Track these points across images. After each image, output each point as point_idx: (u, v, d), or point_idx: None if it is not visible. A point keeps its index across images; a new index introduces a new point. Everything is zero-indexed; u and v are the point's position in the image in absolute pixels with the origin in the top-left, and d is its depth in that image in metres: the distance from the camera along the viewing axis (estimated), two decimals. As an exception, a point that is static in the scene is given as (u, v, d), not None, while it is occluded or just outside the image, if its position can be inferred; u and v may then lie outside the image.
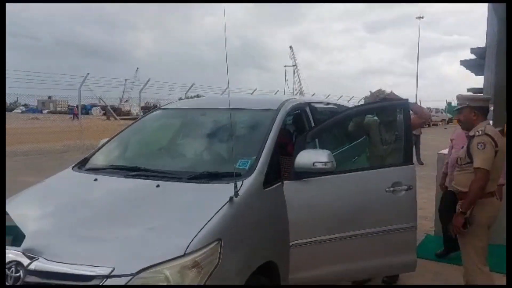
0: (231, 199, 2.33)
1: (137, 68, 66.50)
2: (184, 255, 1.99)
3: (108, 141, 3.46)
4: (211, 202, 2.34)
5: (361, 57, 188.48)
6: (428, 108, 38.12)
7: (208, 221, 2.17)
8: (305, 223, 2.78)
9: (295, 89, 67.00)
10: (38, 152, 13.43)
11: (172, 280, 1.94)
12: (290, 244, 2.71)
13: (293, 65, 72.98)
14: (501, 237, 3.73)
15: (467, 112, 3.14)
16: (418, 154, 11.04)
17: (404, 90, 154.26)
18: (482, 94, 5.51)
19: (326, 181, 2.84)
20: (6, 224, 2.04)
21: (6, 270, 2.02)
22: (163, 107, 4.00)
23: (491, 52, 8.77)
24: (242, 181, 2.51)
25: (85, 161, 3.23)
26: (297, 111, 3.52)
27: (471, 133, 3.10)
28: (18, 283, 1.99)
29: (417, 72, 52.00)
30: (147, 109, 31.26)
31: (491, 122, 3.91)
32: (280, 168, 2.95)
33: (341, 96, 30.25)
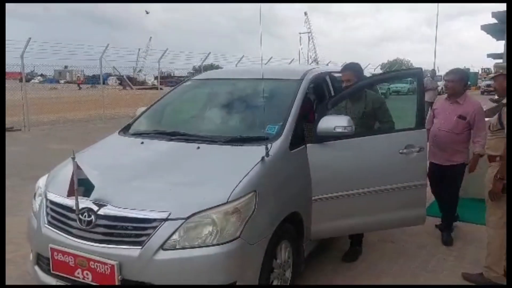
0: (263, 158, 2.70)
1: (150, 37, 66.50)
2: (227, 202, 2.38)
3: (146, 110, 3.84)
4: (246, 160, 2.70)
5: (378, 23, 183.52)
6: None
7: (245, 175, 2.55)
8: (325, 181, 3.12)
9: (310, 57, 66.21)
10: (63, 121, 13.98)
11: (218, 222, 2.34)
12: (312, 198, 3.09)
13: (308, 32, 71.71)
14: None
15: (501, 80, 3.26)
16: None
17: (422, 57, 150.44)
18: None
19: (345, 144, 3.16)
20: (79, 177, 2.44)
21: (80, 215, 2.46)
22: (193, 78, 4.34)
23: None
24: (271, 144, 2.86)
25: (128, 127, 3.62)
26: (318, 80, 3.80)
27: (504, 101, 3.22)
28: (90, 226, 2.43)
29: (436, 38, 50.52)
30: (162, 78, 31.57)
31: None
32: (304, 132, 3.28)
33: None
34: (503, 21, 7.92)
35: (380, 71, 43.16)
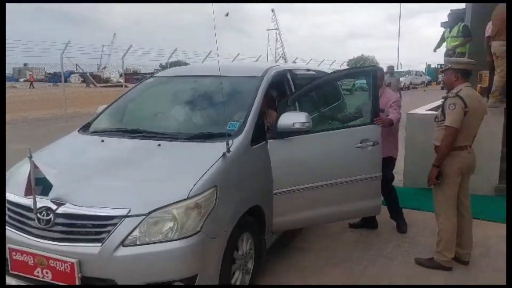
0: (224, 154, 2.76)
1: (114, 34, 64.87)
2: (188, 198, 2.43)
3: (107, 107, 3.81)
4: (207, 157, 2.76)
5: (343, 20, 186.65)
6: (408, 71, 38.83)
7: (206, 171, 2.61)
8: (285, 175, 3.23)
9: (278, 54, 66.58)
10: (23, 121, 13.51)
11: (179, 218, 2.39)
12: (274, 192, 3.18)
13: (275, 29, 72.04)
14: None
15: (449, 74, 3.41)
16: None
17: (385, 53, 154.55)
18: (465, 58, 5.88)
19: (304, 139, 3.28)
20: (36, 176, 2.42)
21: (38, 214, 2.44)
22: (155, 75, 4.33)
23: (469, 15, 9.18)
24: (233, 140, 2.93)
25: (88, 125, 3.59)
26: (279, 78, 3.89)
27: (449, 95, 3.37)
28: (49, 225, 2.42)
29: (399, 35, 51.96)
30: (128, 75, 30.96)
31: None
32: (265, 129, 3.37)
33: (323, 61, 30.50)
34: (461, 18, 8.54)
35: (347, 67, 44.08)
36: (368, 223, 4.29)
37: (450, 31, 7.84)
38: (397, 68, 38.40)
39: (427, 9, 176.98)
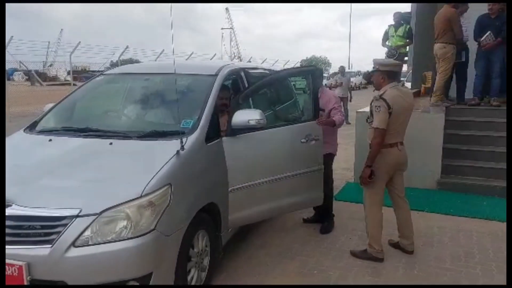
0: (178, 152, 2.76)
1: (61, 30, 62.15)
2: (141, 196, 2.41)
3: (55, 106, 3.67)
4: (161, 155, 2.74)
5: (297, 21, 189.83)
6: (358, 71, 40.19)
7: (160, 169, 2.59)
8: (240, 171, 3.30)
9: (233, 53, 66.63)
10: (-40, 120, 12.62)
11: (132, 216, 2.36)
12: (229, 189, 3.22)
13: (229, 28, 72.10)
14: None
15: (377, 75, 3.55)
16: (346, 116, 12.05)
17: (338, 53, 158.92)
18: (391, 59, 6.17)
19: (256, 136, 3.36)
20: (-22, 177, 2.31)
21: (-19, 217, 2.32)
22: (106, 72, 4.22)
23: (414, 17, 9.68)
24: (187, 137, 2.93)
25: (35, 124, 3.45)
26: (233, 76, 3.93)
27: (374, 97, 3.47)
28: (-6, 228, 2.31)
29: (350, 36, 53.68)
30: (76, 73, 29.69)
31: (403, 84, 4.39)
32: (219, 126, 3.38)
33: (277, 60, 30.93)
34: (407, 21, 9.04)
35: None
36: (322, 218, 4.41)
37: (395, 30, 8.12)
38: (349, 68, 39.69)
39: (376, 12, 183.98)
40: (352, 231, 4.27)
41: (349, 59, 51.03)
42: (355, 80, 33.43)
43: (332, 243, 3.99)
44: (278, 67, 15.75)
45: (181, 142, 2.80)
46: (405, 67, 9.16)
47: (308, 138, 3.69)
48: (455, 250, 3.81)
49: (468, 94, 6.76)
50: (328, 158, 4.18)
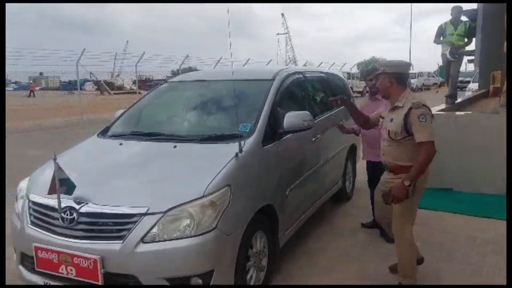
0: (236, 154, 2.86)
1: (127, 41, 65.93)
2: (203, 196, 2.54)
3: (124, 112, 3.96)
4: (221, 157, 2.86)
5: (353, 23, 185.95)
6: (420, 73, 38.56)
7: (220, 171, 2.71)
8: (294, 170, 3.51)
9: (289, 58, 66.77)
10: (39, 128, 13.83)
11: (195, 215, 2.49)
12: (287, 190, 3.31)
13: (285, 33, 72.34)
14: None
15: (383, 78, 3.04)
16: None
17: (396, 55, 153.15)
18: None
19: (301, 134, 3.54)
20: (60, 177, 2.56)
21: (62, 214, 2.57)
22: (169, 80, 4.47)
23: (481, 15, 9.15)
24: (244, 141, 3.04)
25: (106, 129, 3.74)
26: (290, 80, 4.00)
27: (398, 104, 2.95)
28: (73, 224, 2.54)
29: (410, 36, 51.72)
30: (141, 82, 31.38)
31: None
32: (277, 129, 3.46)
33: (333, 63, 30.56)
34: (473, 19, 8.48)
35: (357, 70, 44.06)
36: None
37: (455, 28, 7.23)
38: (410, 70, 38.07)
39: (437, 10, 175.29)
40: (416, 237, 4.12)
41: (409, 60, 49.04)
42: (415, 82, 32.16)
43: (392, 250, 3.87)
44: (335, 70, 15.58)
45: (239, 145, 2.90)
46: (471, 67, 8.49)
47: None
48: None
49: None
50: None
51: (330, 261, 3.65)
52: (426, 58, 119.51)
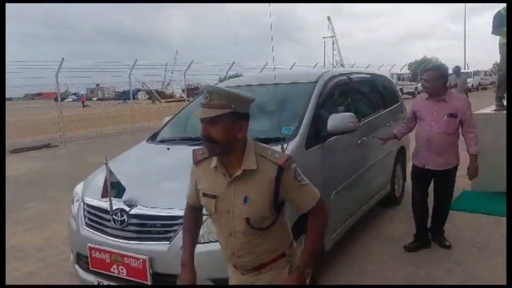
0: (280, 157, 2.86)
1: (177, 51, 68.08)
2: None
3: (171, 119, 4.10)
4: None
5: (400, 22, 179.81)
6: (476, 71, 36.57)
7: (263, 174, 2.72)
8: (340, 173, 3.49)
9: (335, 61, 65.96)
10: (97, 135, 14.60)
11: (238, 218, 2.51)
12: (332, 193, 3.27)
13: (331, 36, 71.61)
14: None
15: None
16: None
17: (449, 54, 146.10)
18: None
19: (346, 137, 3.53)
20: (111, 180, 2.69)
21: (113, 215, 2.70)
22: (214, 86, 4.57)
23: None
24: (287, 143, 3.03)
25: (155, 135, 3.88)
26: (334, 82, 3.95)
27: None
28: (123, 225, 2.66)
29: (464, 34, 49.28)
30: (190, 90, 32.31)
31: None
32: (321, 131, 3.42)
33: (382, 65, 29.71)
34: None
35: (408, 71, 42.58)
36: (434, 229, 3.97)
37: None
38: (464, 69, 36.39)
39: (491, 6, 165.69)
40: (469, 243, 3.92)
41: (464, 58, 46.76)
42: (472, 81, 30.56)
43: (446, 255, 3.70)
44: (384, 71, 15.16)
45: (282, 148, 2.89)
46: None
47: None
48: None
49: None
50: (455, 171, 3.77)
51: (376, 266, 3.55)
52: (482, 57, 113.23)
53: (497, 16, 5.86)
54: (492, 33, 5.98)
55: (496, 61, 49.81)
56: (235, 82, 4.54)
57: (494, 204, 4.90)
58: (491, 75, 39.36)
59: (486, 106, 6.39)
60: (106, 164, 2.71)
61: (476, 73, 35.82)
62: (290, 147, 3.02)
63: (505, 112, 5.66)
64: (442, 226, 3.93)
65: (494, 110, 5.86)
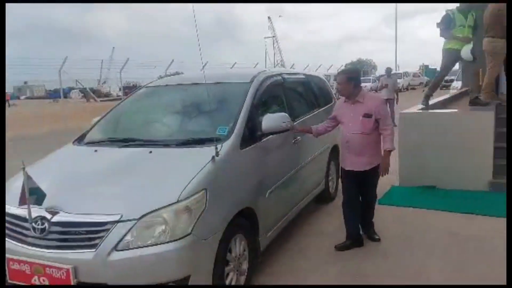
0: (213, 158, 2.83)
1: (113, 48, 65.45)
2: (178, 201, 2.50)
3: (101, 119, 3.90)
4: (197, 161, 2.83)
5: (338, 25, 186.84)
6: (405, 72, 38.96)
7: (196, 175, 2.67)
8: (274, 172, 3.51)
9: (277, 61, 67.03)
10: (22, 138, 13.62)
11: (169, 221, 2.45)
12: (267, 192, 3.32)
13: (272, 36, 72.65)
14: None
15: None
16: (392, 118, 11.72)
17: (383, 56, 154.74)
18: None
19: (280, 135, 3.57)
20: (30, 186, 2.50)
21: (33, 224, 2.51)
22: (146, 85, 4.42)
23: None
24: (222, 144, 3.01)
25: (83, 136, 3.68)
26: (269, 82, 3.97)
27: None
28: (44, 233, 2.48)
29: (396, 37, 52.26)
30: (128, 89, 31.26)
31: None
32: (256, 131, 3.43)
33: (320, 65, 30.74)
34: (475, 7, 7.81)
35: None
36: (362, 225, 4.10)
37: (466, 18, 5.79)
38: (396, 70, 38.65)
39: (422, 10, 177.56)
40: (396, 236, 4.13)
41: (396, 60, 49.64)
42: (402, 82, 32.46)
43: (375, 248, 3.88)
44: (322, 72, 15.65)
45: (216, 148, 2.87)
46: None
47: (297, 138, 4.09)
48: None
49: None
50: (377, 170, 3.80)
51: (312, 262, 3.63)
52: (413, 58, 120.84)
53: (445, 18, 5.89)
54: (441, 35, 6.01)
55: (423, 63, 53.47)
56: (168, 81, 4.42)
57: (421, 198, 5.22)
58: (419, 76, 42.21)
59: (414, 105, 6.81)
60: (24, 168, 2.51)
61: (406, 74, 38.16)
62: (225, 147, 3.00)
63: (429, 111, 6.08)
64: (371, 221, 4.09)
65: (420, 110, 6.25)
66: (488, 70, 6.01)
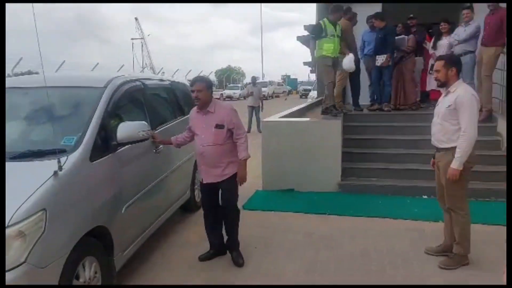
0: (55, 173, 2.50)
1: None
2: (8, 226, 2.13)
3: None
4: (35, 177, 2.47)
5: (208, 31, 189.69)
6: (270, 81, 41.50)
7: (32, 194, 2.32)
8: (132, 185, 3.29)
9: (145, 63, 64.76)
10: None
11: (-3, 250, 2.07)
12: (124, 207, 3.09)
13: (140, 38, 69.97)
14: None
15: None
16: (258, 124, 12.25)
17: (251, 64, 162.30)
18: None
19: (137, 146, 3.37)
20: None
21: None
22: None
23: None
24: (67, 156, 2.69)
25: None
26: (126, 88, 3.70)
27: None
28: None
29: (262, 47, 55.31)
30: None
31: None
32: (110, 141, 3.15)
33: (190, 71, 30.59)
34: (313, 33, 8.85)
35: (215, 78, 45.31)
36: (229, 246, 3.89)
37: (335, 28, 5.98)
38: (262, 79, 40.92)
39: (283, 24, 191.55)
40: (257, 240, 4.25)
41: (262, 69, 52.43)
42: (267, 90, 34.45)
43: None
44: (192, 77, 15.51)
45: (59, 162, 2.54)
46: (313, 76, 8.22)
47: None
48: (352, 251, 3.97)
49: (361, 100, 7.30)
50: (234, 179, 3.66)
51: (173, 273, 3.52)
52: (276, 68, 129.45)
53: (319, 26, 6.05)
54: (315, 39, 6.11)
55: (286, 73, 57.68)
56: (10, 83, 3.81)
57: (281, 201, 5.52)
58: (282, 85, 45.54)
59: (279, 112, 7.21)
60: None
61: (271, 83, 40.73)
62: (71, 160, 2.69)
63: (287, 119, 6.49)
64: (235, 240, 3.83)
65: (279, 118, 6.63)
66: (337, 82, 6.70)
